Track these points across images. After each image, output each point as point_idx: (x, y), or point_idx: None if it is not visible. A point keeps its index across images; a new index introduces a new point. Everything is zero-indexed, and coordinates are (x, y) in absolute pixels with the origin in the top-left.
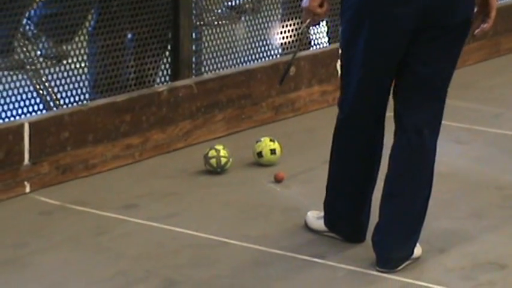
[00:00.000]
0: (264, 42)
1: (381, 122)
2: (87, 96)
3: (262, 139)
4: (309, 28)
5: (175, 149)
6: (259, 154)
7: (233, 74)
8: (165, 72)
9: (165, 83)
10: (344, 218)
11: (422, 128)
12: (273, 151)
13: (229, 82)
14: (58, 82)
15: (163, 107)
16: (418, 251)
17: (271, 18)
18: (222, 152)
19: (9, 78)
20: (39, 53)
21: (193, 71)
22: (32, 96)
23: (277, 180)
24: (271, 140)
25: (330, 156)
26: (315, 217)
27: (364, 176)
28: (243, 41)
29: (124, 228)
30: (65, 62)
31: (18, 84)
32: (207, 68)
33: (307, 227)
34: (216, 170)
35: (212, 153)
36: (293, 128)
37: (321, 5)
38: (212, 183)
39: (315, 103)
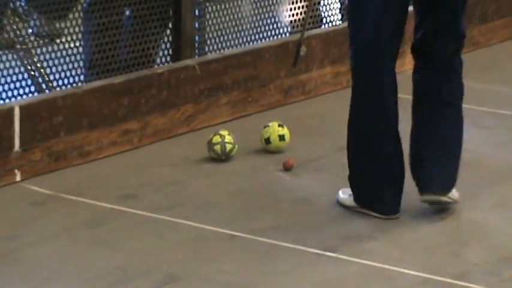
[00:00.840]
0: (272, 20)
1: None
2: (81, 77)
3: (270, 124)
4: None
5: (176, 135)
6: (267, 140)
7: (239, 54)
8: (165, 52)
9: (165, 64)
10: (372, 189)
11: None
12: (281, 137)
13: (234, 63)
14: (51, 63)
15: (164, 90)
16: (457, 194)
17: None
18: (227, 138)
19: None
20: (30, 31)
21: (196, 51)
22: (23, 78)
23: (287, 168)
24: (279, 125)
25: (349, 126)
26: (347, 194)
27: (386, 134)
28: (250, 18)
29: (122, 220)
30: (58, 41)
31: (8, 64)
32: (210, 48)
33: (339, 204)
34: (221, 158)
35: (216, 139)
36: (303, 112)
37: None
38: (217, 172)
39: (327, 85)
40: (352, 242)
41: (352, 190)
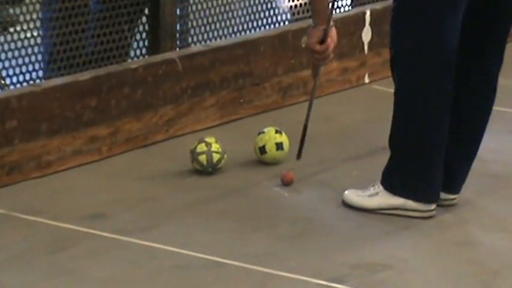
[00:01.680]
0: (269, 5)
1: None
2: (40, 74)
3: (266, 130)
4: (317, 75)
5: (153, 143)
6: (262, 149)
7: (229, 45)
8: (140, 43)
9: (140, 58)
10: (422, 171)
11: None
12: (279, 145)
13: (223, 56)
14: (3, 56)
15: (139, 89)
16: None
17: None
18: (214, 147)
19: None
20: None
21: (178, 42)
22: None
23: (285, 182)
24: (277, 132)
25: (405, 113)
26: (362, 195)
27: (448, 124)
28: (242, 4)
29: (88, 244)
30: (12, 29)
31: None
32: (195, 38)
33: (350, 207)
34: (207, 170)
35: (201, 147)
36: (305, 116)
37: (321, 42)
38: (201, 187)
39: (333, 84)
40: (362, 272)
41: (392, 178)
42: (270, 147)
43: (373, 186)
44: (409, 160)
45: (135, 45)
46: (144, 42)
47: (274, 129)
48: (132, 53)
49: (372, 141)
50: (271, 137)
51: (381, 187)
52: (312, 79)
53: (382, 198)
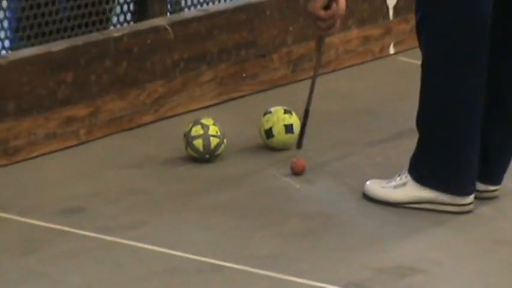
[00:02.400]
0: None
1: None
2: (6, 43)
3: (273, 110)
4: (322, 46)
5: (140, 125)
6: (269, 132)
7: (229, 10)
8: (125, 7)
9: (125, 24)
10: (455, 162)
11: None
12: (288, 128)
13: (222, 23)
14: None
15: (123, 61)
16: None
17: None
18: (212, 129)
19: None
20: None
21: (168, 6)
22: None
23: (296, 171)
24: (286, 112)
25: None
26: (386, 186)
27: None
28: None
29: (64, 245)
30: None
31: None
32: (188, 2)
33: (373, 200)
34: (203, 156)
35: (197, 130)
36: (319, 93)
37: (326, 7)
38: (197, 177)
39: (352, 55)
40: (388, 276)
41: (421, 167)
42: (278, 130)
43: (399, 175)
44: (438, 145)
45: (118, 9)
46: (128, 6)
47: (283, 108)
48: (114, 19)
49: (398, 122)
50: (279, 118)
51: (409, 177)
52: (315, 53)
53: (409, 190)
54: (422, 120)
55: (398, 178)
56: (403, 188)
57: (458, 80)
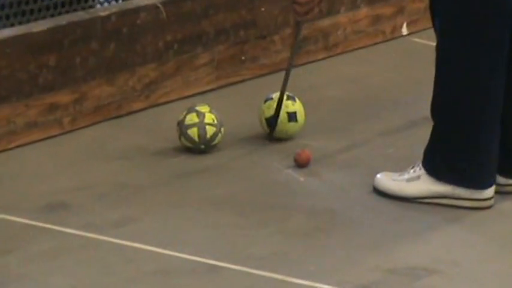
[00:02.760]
0: None
1: None
2: None
3: (275, 96)
4: (298, 34)
5: (130, 112)
6: (270, 121)
7: None
8: None
9: (113, 2)
10: (485, 160)
11: None
12: (292, 116)
13: (218, 1)
14: None
15: (111, 42)
16: None
17: None
18: (208, 117)
19: None
20: None
21: None
22: None
23: (300, 163)
24: (289, 98)
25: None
26: (399, 179)
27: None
28: None
29: (46, 243)
30: None
31: None
32: None
33: (384, 194)
34: (199, 147)
35: (192, 118)
36: (326, 78)
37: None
38: (192, 169)
39: (361, 36)
40: (400, 278)
41: (435, 158)
42: (281, 118)
43: (412, 168)
44: (455, 134)
45: None
46: None
47: (286, 94)
48: None
49: (411, 110)
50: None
51: (423, 169)
52: (291, 40)
53: (423, 184)
54: (437, 107)
55: (411, 170)
56: (417, 182)
57: (475, 64)
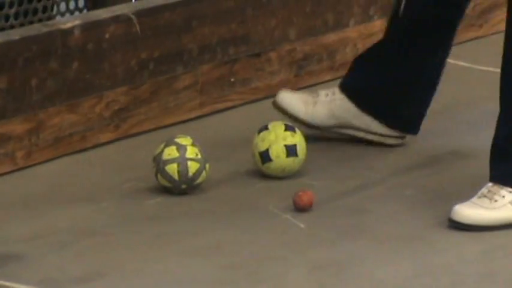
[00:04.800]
0: None
1: None
2: None
3: (271, 126)
4: None
5: (96, 145)
6: (265, 155)
7: None
8: None
9: (76, 13)
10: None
11: None
12: (291, 149)
13: (204, 11)
14: None
15: (73, 61)
16: None
17: None
18: (190, 151)
19: None
20: None
21: None
22: None
23: (300, 206)
24: (287, 128)
25: None
26: (304, 101)
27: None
28: None
29: None
30: None
31: None
32: None
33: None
34: (179, 187)
35: (170, 153)
36: None
37: None
38: (170, 214)
39: None
40: None
41: None
42: (277, 152)
43: (493, 193)
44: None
45: None
46: None
47: (284, 124)
48: (62, 6)
49: (434, 142)
50: (278, 136)
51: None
52: None
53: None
54: None
55: (495, 197)
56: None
57: None
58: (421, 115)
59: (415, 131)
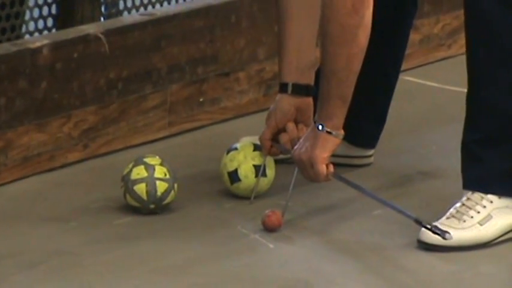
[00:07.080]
0: None
1: None
2: None
3: (240, 146)
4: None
5: (65, 164)
6: (234, 175)
7: (182, 14)
8: (45, 9)
9: (45, 32)
10: None
11: None
12: (259, 169)
13: (173, 30)
14: None
15: (42, 81)
16: None
17: None
18: (159, 171)
19: None
20: None
21: (103, 9)
22: None
23: (269, 226)
24: (256, 148)
25: None
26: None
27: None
28: None
29: None
30: None
31: None
32: (129, 3)
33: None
34: (148, 206)
35: (139, 172)
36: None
37: (272, 139)
38: (139, 233)
39: None
40: None
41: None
42: (246, 172)
43: (468, 208)
44: None
45: (35, 12)
46: (50, 7)
47: (253, 144)
48: (31, 25)
49: (406, 161)
50: (247, 156)
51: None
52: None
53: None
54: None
55: (471, 212)
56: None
57: None
58: (380, 129)
59: (374, 144)
